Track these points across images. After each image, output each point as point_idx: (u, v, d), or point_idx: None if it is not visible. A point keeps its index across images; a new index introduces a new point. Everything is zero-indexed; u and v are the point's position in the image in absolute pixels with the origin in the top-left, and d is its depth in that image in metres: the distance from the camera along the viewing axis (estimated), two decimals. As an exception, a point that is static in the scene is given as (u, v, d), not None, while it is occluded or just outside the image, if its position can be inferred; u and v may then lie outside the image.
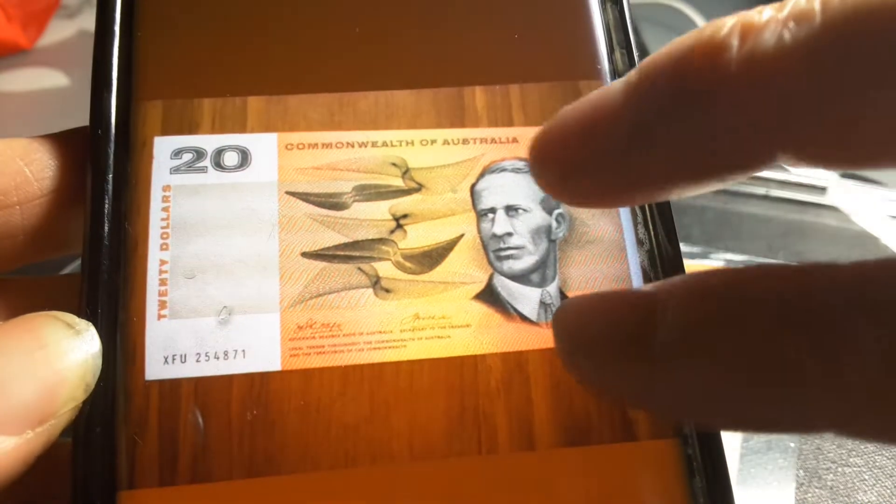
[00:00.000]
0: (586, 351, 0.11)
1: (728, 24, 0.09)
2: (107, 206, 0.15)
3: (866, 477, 0.32)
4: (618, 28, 0.18)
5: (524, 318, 0.16)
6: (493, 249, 0.16)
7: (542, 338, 0.15)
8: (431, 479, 0.14)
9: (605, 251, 0.16)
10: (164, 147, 0.16)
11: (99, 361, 0.14)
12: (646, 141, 0.10)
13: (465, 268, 0.16)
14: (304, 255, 0.16)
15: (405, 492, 0.14)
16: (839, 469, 0.32)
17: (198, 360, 0.15)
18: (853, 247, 0.39)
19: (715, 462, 0.15)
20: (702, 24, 0.40)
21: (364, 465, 0.14)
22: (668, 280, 0.10)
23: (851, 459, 0.32)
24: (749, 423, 0.10)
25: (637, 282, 0.16)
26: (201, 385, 0.15)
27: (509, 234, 0.16)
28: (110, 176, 0.16)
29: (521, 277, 0.16)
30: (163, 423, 0.14)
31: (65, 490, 0.14)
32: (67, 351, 0.14)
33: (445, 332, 0.15)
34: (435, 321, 0.15)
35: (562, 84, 0.17)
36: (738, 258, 0.39)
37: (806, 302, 0.09)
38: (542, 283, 0.16)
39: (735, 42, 0.09)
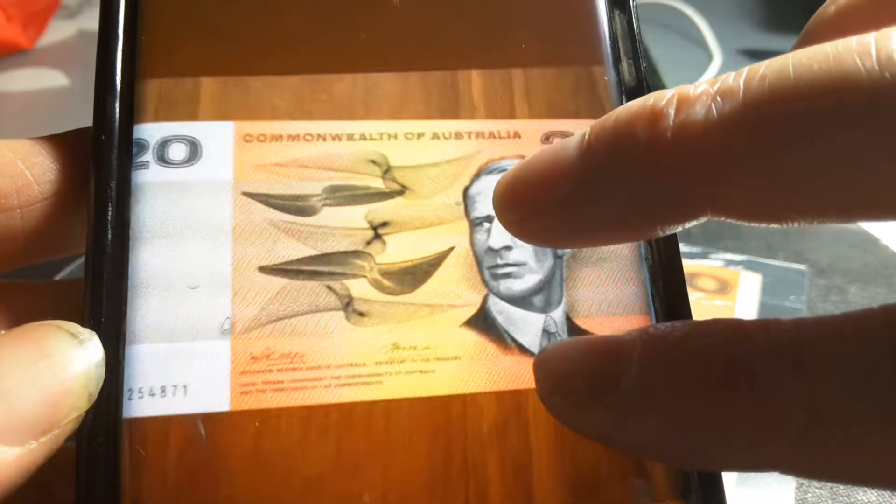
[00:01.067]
0: (562, 393, 0.12)
1: (667, 95, 0.11)
2: (110, 213, 0.14)
3: (866, 477, 0.32)
4: (625, 37, 0.17)
5: (523, 350, 0.13)
6: (489, 266, 0.14)
7: None
8: None
9: (619, 269, 0.14)
10: None
11: (102, 371, 0.14)
12: (592, 195, 0.11)
13: (454, 287, 0.14)
14: (262, 269, 0.13)
15: None
16: (839, 469, 0.32)
17: (131, 398, 0.13)
18: (853, 246, 0.39)
19: None
20: (701, 25, 0.40)
21: None
22: (639, 329, 0.12)
23: (851, 459, 0.32)
24: (703, 463, 0.12)
25: (653, 307, 0.14)
26: (136, 427, 0.13)
27: (508, 248, 0.14)
28: (114, 183, 0.14)
29: (521, 300, 0.14)
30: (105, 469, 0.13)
31: (68, 495, 0.14)
32: (71, 361, 0.14)
33: (429, 365, 0.13)
34: (417, 352, 0.13)
35: (573, 69, 0.15)
36: (737, 258, 0.39)
37: (748, 360, 0.11)
38: (545, 308, 0.14)
39: (671, 112, 0.11)
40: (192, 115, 0.14)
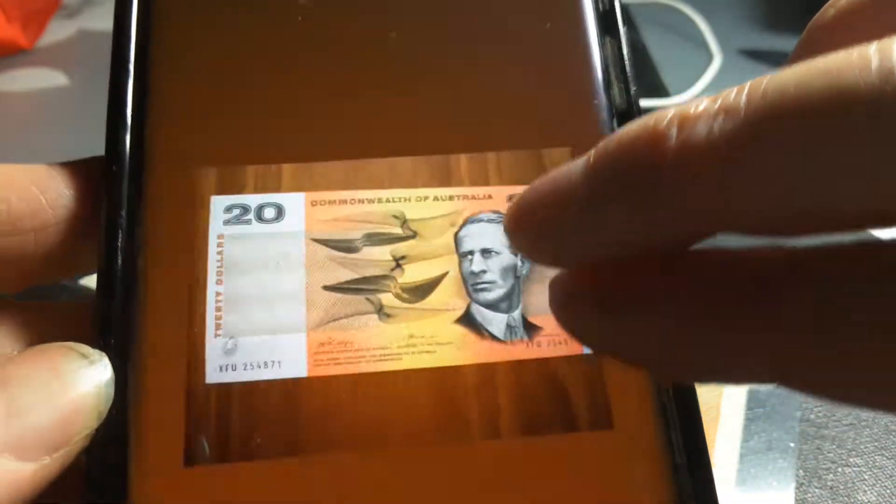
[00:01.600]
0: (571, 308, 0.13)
1: (668, 115, 0.11)
2: (120, 240, 0.17)
3: (866, 477, 0.32)
4: (616, 64, 0.20)
5: (494, 338, 0.19)
6: (471, 284, 0.20)
7: (508, 352, 0.19)
8: (421, 461, 0.18)
9: None
10: (219, 204, 0.19)
11: (111, 390, 0.15)
12: (598, 217, 0.11)
13: (449, 298, 0.20)
14: (325, 288, 0.19)
15: (399, 471, 0.18)
16: (839, 469, 0.32)
17: (245, 368, 0.18)
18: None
19: (693, 440, 0.17)
20: (701, 25, 0.40)
21: (370, 449, 0.18)
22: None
23: (851, 459, 0.32)
24: (700, 372, 0.12)
25: None
26: (248, 387, 0.18)
27: (483, 272, 0.20)
28: (124, 211, 0.17)
29: (492, 306, 0.20)
30: (220, 415, 0.17)
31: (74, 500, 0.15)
32: (82, 380, 0.15)
33: (433, 348, 0.19)
34: (425, 340, 0.19)
35: (527, 153, 0.20)
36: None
37: (756, 265, 0.11)
38: (508, 310, 0.20)
39: (673, 132, 0.10)
40: (278, 189, 0.20)
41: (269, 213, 0.19)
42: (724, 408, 0.34)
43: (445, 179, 0.20)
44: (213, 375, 0.18)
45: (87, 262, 0.17)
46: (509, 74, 0.20)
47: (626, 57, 0.19)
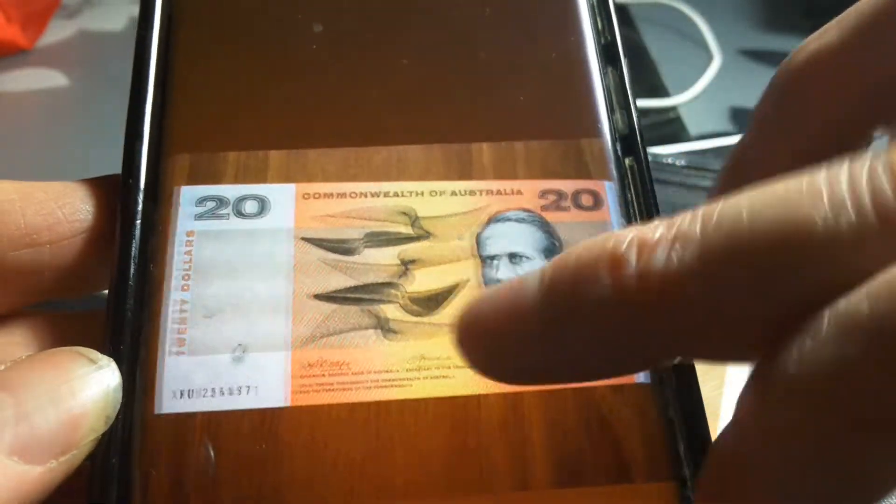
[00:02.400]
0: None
1: (627, 238, 0.11)
2: (133, 250, 0.17)
3: (866, 477, 0.32)
4: (618, 91, 0.20)
5: None
6: None
7: None
8: None
9: None
10: (188, 196, 0.17)
11: (119, 395, 0.15)
12: (556, 336, 0.11)
13: None
14: (317, 297, 0.17)
15: None
16: (839, 469, 0.32)
17: (211, 395, 0.16)
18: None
19: None
20: (701, 25, 0.40)
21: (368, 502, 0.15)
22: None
23: (851, 459, 0.32)
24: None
25: None
26: (213, 419, 0.15)
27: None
28: (138, 222, 0.17)
29: None
30: (174, 455, 0.15)
31: None
32: (90, 385, 0.15)
33: (448, 372, 0.16)
34: (439, 362, 0.16)
35: (563, 142, 0.19)
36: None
37: None
38: None
39: (633, 258, 0.10)
40: (263, 179, 0.17)
41: (251, 206, 0.17)
42: (725, 406, 0.34)
43: (466, 172, 0.18)
44: (166, 404, 0.15)
45: (100, 278, 0.17)
46: (513, 94, 0.19)
47: (627, 85, 0.20)
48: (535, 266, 0.17)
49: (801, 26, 0.59)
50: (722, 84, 0.53)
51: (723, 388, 0.35)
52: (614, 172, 0.19)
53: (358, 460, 0.15)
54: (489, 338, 0.12)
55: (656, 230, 0.11)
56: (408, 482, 0.15)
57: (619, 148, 0.19)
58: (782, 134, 0.17)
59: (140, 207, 0.17)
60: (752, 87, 0.54)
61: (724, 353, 0.11)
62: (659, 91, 0.53)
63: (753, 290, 0.10)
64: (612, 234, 0.11)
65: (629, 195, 0.18)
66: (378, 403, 0.16)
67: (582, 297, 0.11)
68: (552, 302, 0.11)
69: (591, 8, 0.20)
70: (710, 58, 0.54)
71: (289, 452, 0.15)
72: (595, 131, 0.19)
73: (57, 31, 0.58)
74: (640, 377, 0.16)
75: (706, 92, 0.52)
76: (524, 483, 0.15)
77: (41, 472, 0.13)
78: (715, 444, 0.11)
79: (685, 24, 0.57)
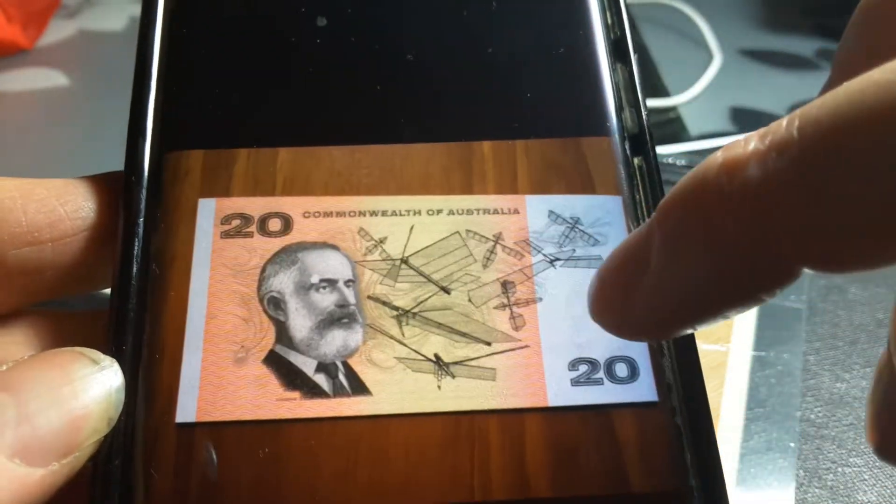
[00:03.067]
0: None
1: (718, 162, 0.10)
2: (136, 249, 0.17)
3: (866, 477, 0.32)
4: (627, 88, 0.19)
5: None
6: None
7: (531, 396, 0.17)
8: None
9: None
10: (208, 208, 0.18)
11: (122, 396, 0.15)
12: (673, 274, 0.11)
13: None
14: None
15: None
16: (839, 469, 0.32)
17: (225, 404, 0.16)
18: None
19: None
20: (701, 25, 0.40)
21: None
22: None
23: (851, 459, 0.32)
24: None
25: None
26: (224, 426, 0.16)
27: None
28: (141, 220, 0.17)
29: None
30: (181, 460, 0.15)
31: None
32: (92, 386, 0.15)
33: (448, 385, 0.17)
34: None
35: (570, 141, 0.19)
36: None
37: None
38: None
39: (725, 181, 0.10)
40: (273, 184, 0.18)
41: (275, 225, 0.18)
42: (724, 407, 0.34)
43: (466, 172, 0.18)
44: (185, 411, 0.16)
45: (103, 275, 0.17)
46: (521, 91, 0.19)
47: (637, 83, 0.19)
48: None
49: (801, 26, 0.59)
50: (722, 84, 0.53)
51: (723, 388, 0.35)
52: (623, 174, 0.18)
53: (359, 473, 0.15)
54: (613, 300, 0.12)
55: (748, 144, 0.10)
56: (399, 490, 0.15)
57: (627, 147, 0.19)
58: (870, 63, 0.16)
59: (143, 206, 0.17)
60: (752, 87, 0.54)
61: (848, 258, 0.10)
62: (659, 91, 0.53)
63: (863, 179, 0.09)
64: (703, 164, 0.11)
65: (637, 196, 0.18)
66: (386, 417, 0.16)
67: (684, 236, 0.11)
68: (663, 246, 0.11)
69: (601, 2, 0.20)
70: (710, 58, 0.54)
71: (293, 464, 0.15)
72: (603, 129, 0.19)
73: (57, 31, 0.58)
74: (646, 393, 0.16)
75: (706, 92, 0.52)
76: (525, 490, 0.15)
77: (43, 475, 0.13)
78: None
79: (685, 24, 0.57)
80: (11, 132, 0.51)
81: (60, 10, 0.59)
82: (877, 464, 0.32)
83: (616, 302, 0.12)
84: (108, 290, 0.17)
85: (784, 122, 0.10)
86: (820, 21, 0.59)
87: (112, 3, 0.60)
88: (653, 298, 0.12)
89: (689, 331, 0.12)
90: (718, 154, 0.11)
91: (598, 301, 0.13)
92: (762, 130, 0.10)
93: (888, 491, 0.31)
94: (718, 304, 0.11)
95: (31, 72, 0.55)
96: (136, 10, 0.19)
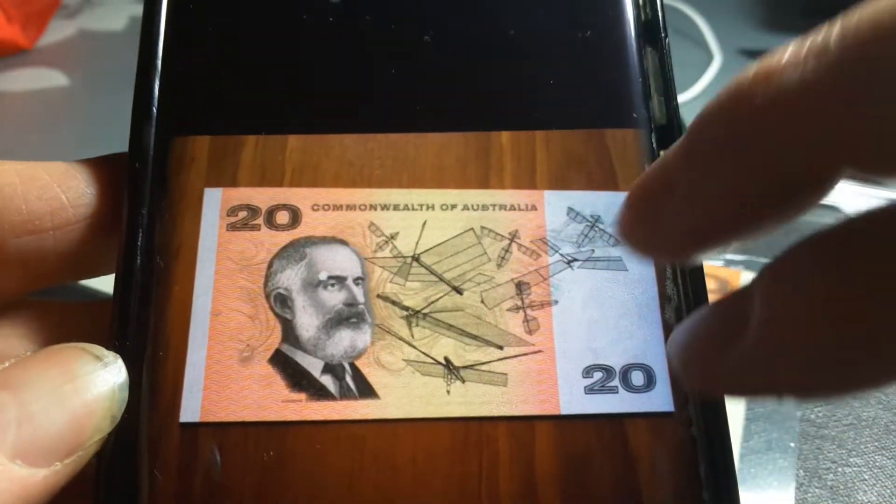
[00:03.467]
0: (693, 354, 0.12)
1: (751, 73, 0.10)
2: (140, 241, 0.16)
3: (866, 477, 0.32)
4: (657, 75, 0.18)
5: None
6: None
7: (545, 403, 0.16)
8: None
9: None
10: (214, 198, 0.17)
11: (126, 394, 0.15)
12: (707, 187, 0.11)
13: None
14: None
15: None
16: (839, 469, 0.32)
17: (230, 404, 0.16)
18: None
19: None
20: (702, 25, 0.40)
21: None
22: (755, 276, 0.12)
23: (851, 459, 0.32)
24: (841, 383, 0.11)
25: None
26: (231, 427, 0.15)
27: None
28: (145, 210, 0.16)
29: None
30: (186, 460, 0.15)
31: None
32: (95, 383, 0.14)
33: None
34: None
35: (593, 133, 0.18)
36: (737, 258, 0.39)
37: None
38: None
39: (760, 87, 0.10)
40: (281, 174, 0.17)
41: (282, 217, 0.17)
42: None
43: (483, 164, 0.17)
44: (189, 411, 0.15)
45: (106, 262, 0.17)
46: (545, 80, 0.18)
47: (669, 69, 0.18)
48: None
49: (801, 26, 0.58)
50: (722, 84, 0.52)
51: (723, 388, 0.35)
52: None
53: (365, 477, 0.15)
54: (642, 204, 0.12)
55: (785, 52, 0.10)
56: (405, 496, 0.15)
57: (654, 140, 0.17)
58: None
59: (147, 196, 0.16)
60: (752, 88, 0.54)
61: (878, 163, 0.10)
62: (659, 91, 0.53)
63: None
64: (740, 74, 0.11)
65: None
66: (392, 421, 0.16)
67: (719, 141, 0.11)
68: (695, 156, 0.11)
69: None
70: (710, 58, 0.54)
71: (297, 467, 0.15)
72: (629, 120, 0.18)
73: (57, 31, 0.58)
74: (663, 403, 0.16)
75: (706, 92, 0.52)
76: (535, 500, 0.15)
77: (46, 475, 0.13)
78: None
79: (685, 24, 0.57)
80: (11, 132, 0.51)
81: (60, 10, 0.59)
82: (877, 464, 0.32)
83: (647, 216, 0.12)
84: (111, 283, 0.16)
85: (821, 32, 0.10)
86: (820, 21, 0.58)
87: (112, 3, 0.60)
88: (685, 212, 0.11)
89: (720, 247, 0.12)
90: (752, 66, 0.10)
91: (627, 215, 0.12)
92: (796, 42, 0.10)
93: (888, 491, 0.31)
94: (752, 216, 0.11)
95: (31, 72, 0.55)
96: (137, 10, 0.19)
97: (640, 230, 0.12)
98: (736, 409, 0.34)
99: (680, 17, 0.57)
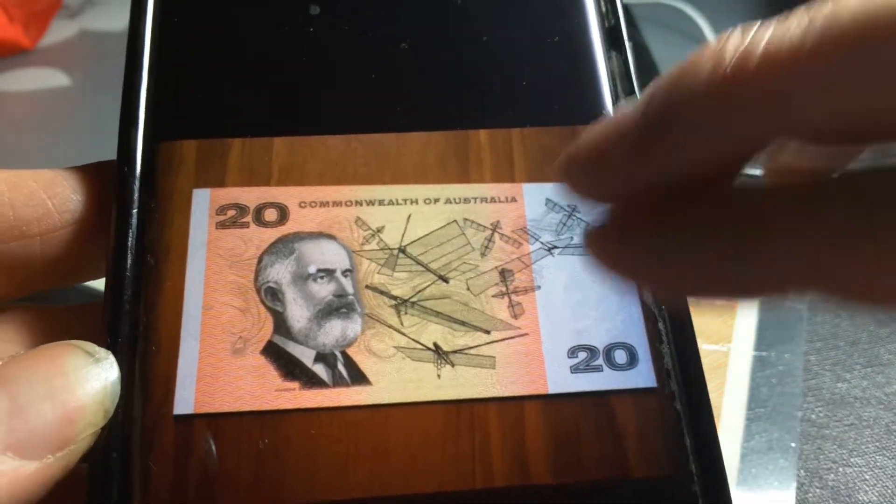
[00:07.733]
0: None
1: (727, 35, 0.11)
2: (130, 240, 0.17)
3: (867, 477, 0.32)
4: (622, 77, 0.19)
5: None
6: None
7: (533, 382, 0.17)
8: None
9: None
10: (204, 199, 0.17)
11: (118, 389, 0.15)
12: (656, 136, 0.11)
13: None
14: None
15: None
16: (840, 469, 0.32)
17: (225, 395, 0.16)
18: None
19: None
20: (702, 25, 0.40)
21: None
22: None
23: (852, 459, 0.32)
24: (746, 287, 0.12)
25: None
26: (224, 418, 0.16)
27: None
28: (134, 211, 0.17)
29: None
30: (181, 453, 0.15)
31: None
32: (87, 378, 0.14)
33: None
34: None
35: (565, 130, 0.19)
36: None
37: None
38: None
39: (731, 44, 0.11)
40: (269, 174, 0.18)
41: (271, 215, 0.18)
42: (725, 407, 0.34)
43: (463, 161, 0.18)
44: (183, 403, 0.16)
45: (93, 267, 0.17)
46: (514, 82, 0.19)
47: (632, 71, 0.19)
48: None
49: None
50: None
51: (724, 389, 0.34)
52: None
53: (357, 458, 0.15)
54: (594, 155, 0.12)
55: (735, 32, 0.11)
56: (400, 478, 0.15)
57: None
58: None
59: (136, 197, 0.17)
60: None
61: (830, 124, 0.11)
62: (659, 91, 0.53)
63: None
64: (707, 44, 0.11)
65: None
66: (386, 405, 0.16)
67: (681, 90, 0.11)
68: (652, 103, 0.11)
69: None
70: (710, 58, 0.54)
71: (293, 455, 0.15)
72: (599, 118, 0.19)
73: (59, 31, 0.58)
74: (645, 379, 0.16)
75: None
76: (526, 477, 0.15)
77: (37, 468, 0.13)
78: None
79: (685, 23, 0.57)
80: (12, 132, 0.51)
81: (62, 10, 0.59)
82: (877, 464, 0.32)
83: (595, 157, 0.12)
84: (102, 285, 0.16)
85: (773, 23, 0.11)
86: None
87: (113, 3, 0.61)
88: (631, 159, 0.12)
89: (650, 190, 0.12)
90: (709, 42, 0.11)
91: (572, 157, 0.12)
92: (746, 25, 0.11)
93: (889, 491, 0.31)
94: (684, 172, 0.12)
95: (32, 72, 0.55)
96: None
97: (585, 168, 0.12)
98: (737, 410, 0.33)
99: (680, 17, 0.57)
